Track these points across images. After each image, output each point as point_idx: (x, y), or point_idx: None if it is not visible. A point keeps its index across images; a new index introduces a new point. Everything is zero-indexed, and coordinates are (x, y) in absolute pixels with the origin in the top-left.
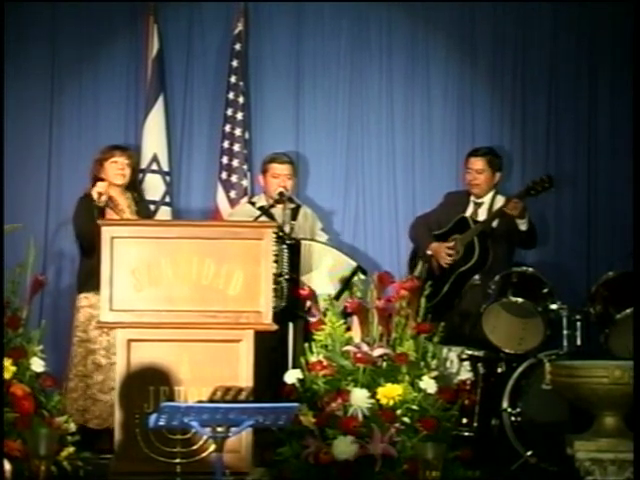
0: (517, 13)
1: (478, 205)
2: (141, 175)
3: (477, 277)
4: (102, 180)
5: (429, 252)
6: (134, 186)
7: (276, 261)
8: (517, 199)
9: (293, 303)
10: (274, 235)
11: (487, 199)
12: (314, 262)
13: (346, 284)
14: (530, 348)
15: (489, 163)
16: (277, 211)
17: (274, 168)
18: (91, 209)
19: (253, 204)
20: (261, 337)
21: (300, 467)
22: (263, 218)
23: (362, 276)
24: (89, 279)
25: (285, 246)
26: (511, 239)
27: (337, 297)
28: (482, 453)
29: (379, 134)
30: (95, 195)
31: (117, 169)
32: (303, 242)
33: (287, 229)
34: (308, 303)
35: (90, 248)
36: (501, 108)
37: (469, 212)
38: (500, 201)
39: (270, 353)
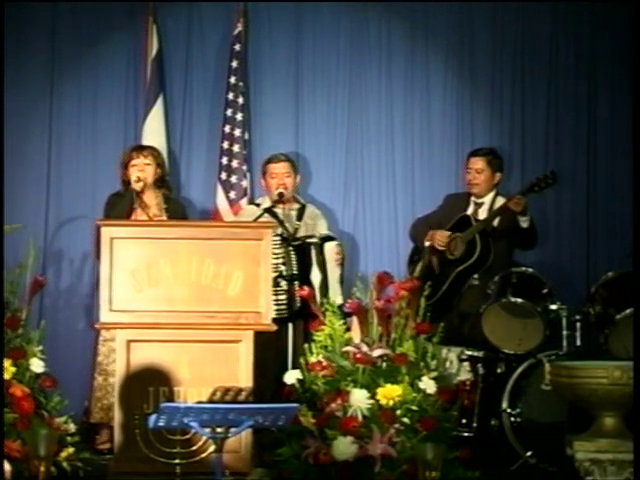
0: (516, 14)
1: (478, 205)
2: None
3: (476, 277)
4: (129, 183)
5: (427, 242)
6: (163, 183)
7: (284, 263)
8: (520, 195)
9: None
10: (279, 237)
11: (488, 199)
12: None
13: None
14: (530, 348)
15: (489, 163)
16: (280, 211)
17: (271, 168)
18: (117, 203)
19: (258, 205)
20: (261, 337)
21: (300, 467)
22: (266, 218)
23: (333, 242)
24: None
25: (292, 247)
26: (511, 238)
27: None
28: (481, 453)
29: (378, 135)
30: (134, 179)
31: (138, 171)
32: (308, 240)
33: (290, 229)
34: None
35: None
36: (500, 109)
37: (469, 212)
38: (501, 202)
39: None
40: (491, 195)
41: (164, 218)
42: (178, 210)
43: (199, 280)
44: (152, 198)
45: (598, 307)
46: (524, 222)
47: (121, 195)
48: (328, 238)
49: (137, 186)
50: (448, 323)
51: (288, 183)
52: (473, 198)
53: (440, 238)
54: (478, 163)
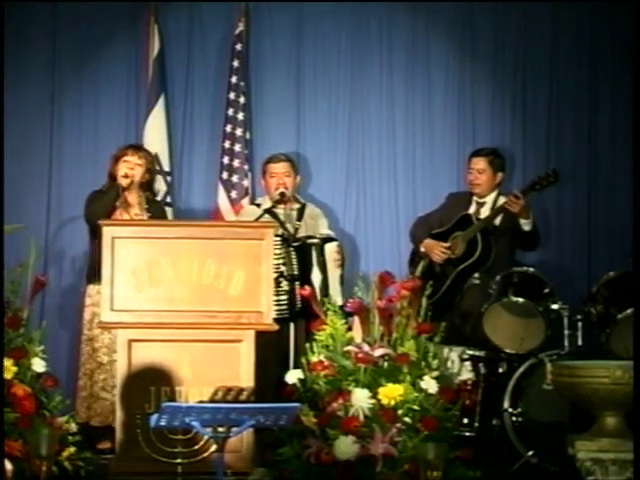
0: (517, 11)
1: (480, 205)
2: None
3: (477, 276)
4: (115, 177)
5: (422, 249)
6: (148, 186)
7: (284, 264)
8: (520, 194)
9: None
10: (279, 238)
11: (490, 199)
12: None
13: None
14: (531, 348)
15: (490, 163)
16: (281, 212)
17: (271, 168)
18: (100, 199)
19: (258, 205)
20: (262, 337)
21: (301, 467)
22: (267, 218)
23: (334, 243)
24: (91, 270)
25: (292, 248)
26: (513, 239)
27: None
28: (483, 453)
29: (380, 133)
30: (121, 173)
31: (127, 168)
32: (309, 241)
33: (291, 229)
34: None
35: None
36: (502, 106)
37: (471, 211)
38: (503, 202)
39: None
40: (493, 195)
41: (145, 217)
42: (159, 210)
43: (200, 280)
44: (135, 198)
45: (599, 307)
46: (526, 225)
47: (103, 192)
48: (329, 239)
49: (123, 181)
50: (449, 323)
51: (288, 182)
52: (475, 198)
53: (438, 254)
54: (480, 163)
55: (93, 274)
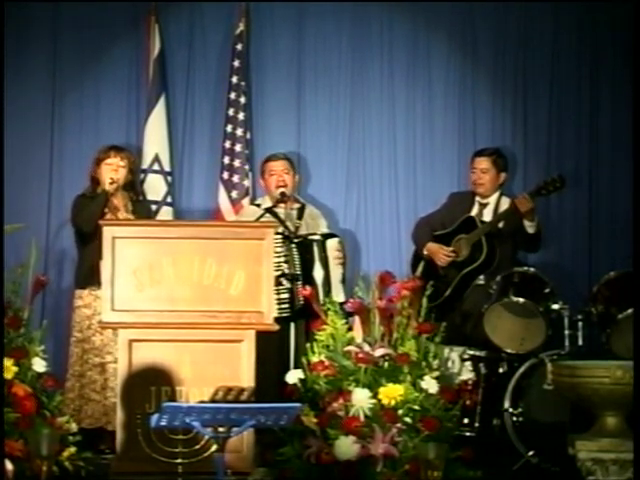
0: (518, 12)
1: (483, 206)
2: (142, 175)
3: (481, 277)
4: (98, 180)
5: (425, 252)
6: (131, 186)
7: (286, 262)
8: (528, 197)
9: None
10: (280, 235)
11: (492, 200)
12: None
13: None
14: (532, 348)
15: (494, 163)
16: (282, 211)
17: (270, 166)
18: (86, 205)
19: (258, 206)
20: (263, 337)
21: (302, 467)
22: (267, 218)
23: (335, 239)
24: (83, 275)
25: (294, 245)
26: (516, 240)
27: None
28: (484, 453)
29: (380, 134)
30: (108, 180)
31: (110, 170)
32: (310, 237)
33: (292, 227)
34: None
35: (89, 235)
36: (502, 107)
37: (474, 212)
38: (505, 202)
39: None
40: (496, 195)
41: (131, 218)
42: (144, 210)
43: (201, 280)
44: (120, 200)
45: (600, 306)
46: (530, 228)
47: (88, 197)
48: (330, 235)
49: (111, 188)
50: (450, 322)
51: (287, 180)
52: (478, 198)
53: (442, 258)
54: (483, 163)
55: (84, 279)
